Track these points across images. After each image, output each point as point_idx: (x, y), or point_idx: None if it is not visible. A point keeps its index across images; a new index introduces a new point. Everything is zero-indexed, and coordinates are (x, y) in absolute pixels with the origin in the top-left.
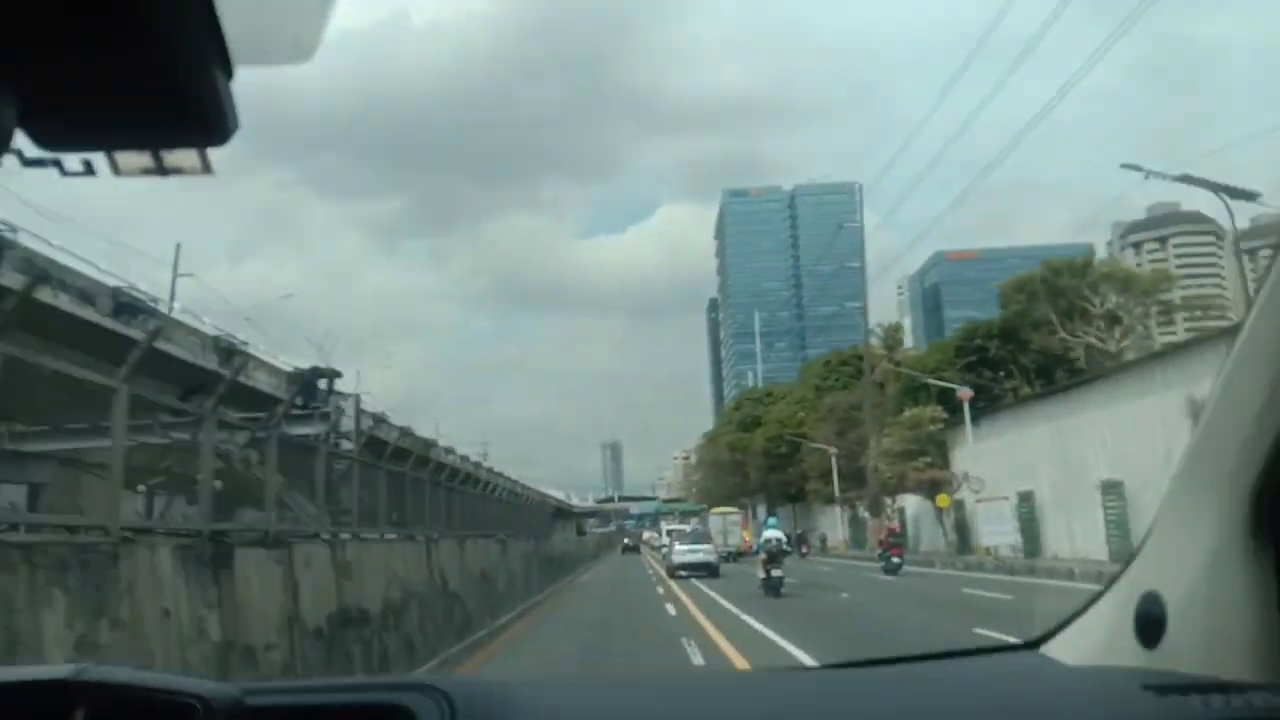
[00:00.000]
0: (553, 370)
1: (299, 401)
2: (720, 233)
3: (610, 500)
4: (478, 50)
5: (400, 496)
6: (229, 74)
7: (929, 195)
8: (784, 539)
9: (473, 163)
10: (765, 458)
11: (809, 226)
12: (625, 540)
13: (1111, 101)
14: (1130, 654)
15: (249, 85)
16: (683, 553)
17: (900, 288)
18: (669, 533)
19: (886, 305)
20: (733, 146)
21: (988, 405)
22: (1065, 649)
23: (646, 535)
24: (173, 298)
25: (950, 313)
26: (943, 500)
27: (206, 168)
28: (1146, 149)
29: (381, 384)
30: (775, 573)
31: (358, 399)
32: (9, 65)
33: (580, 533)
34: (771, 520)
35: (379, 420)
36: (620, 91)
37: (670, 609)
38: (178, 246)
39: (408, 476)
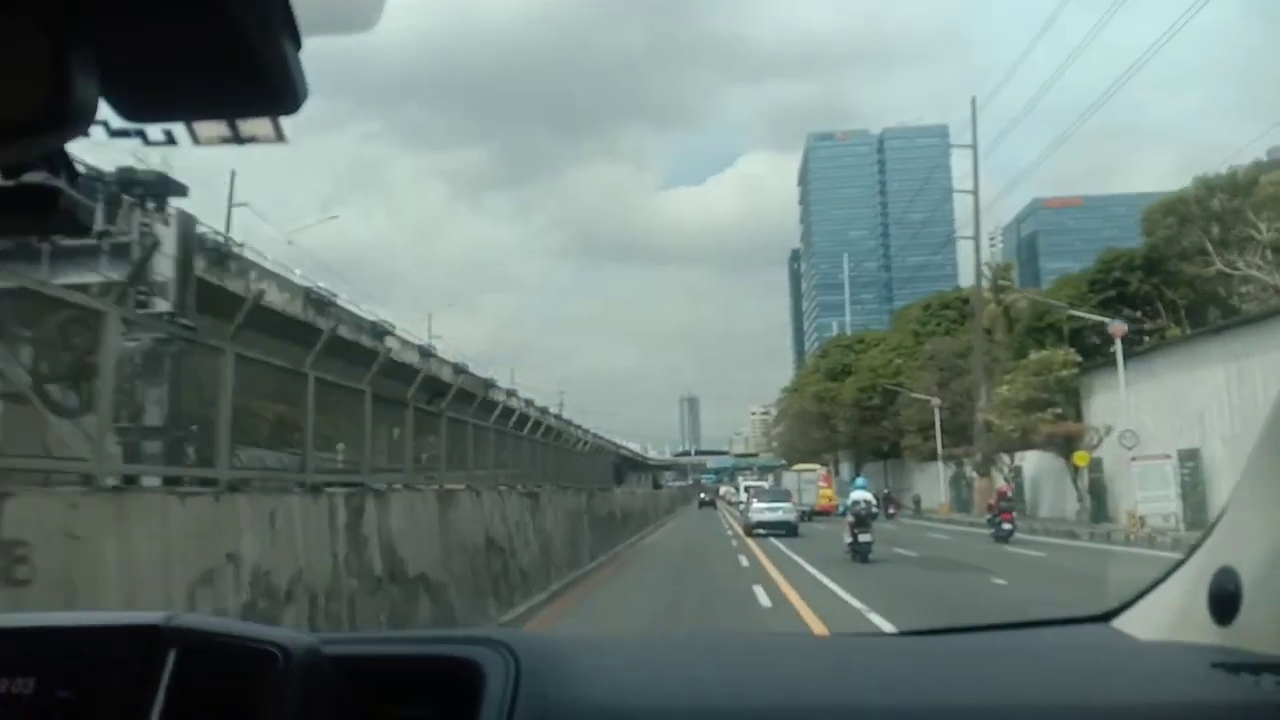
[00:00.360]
0: (632, 323)
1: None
2: (804, 179)
3: (687, 454)
4: None
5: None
6: (298, 43)
7: (1025, 140)
8: (872, 501)
9: (553, 112)
10: (855, 410)
11: (898, 172)
12: (702, 495)
13: (1225, 42)
14: (1203, 630)
15: (329, 42)
16: (761, 510)
17: (993, 238)
18: (747, 489)
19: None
20: (816, 93)
21: (1132, 347)
22: (1137, 623)
23: (724, 490)
24: (228, 228)
25: (1047, 263)
26: (1081, 458)
27: (280, 136)
28: (1264, 95)
29: (467, 336)
30: (863, 537)
31: (188, 220)
32: (94, 44)
33: (656, 485)
34: (859, 480)
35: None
36: (702, 36)
37: (762, 596)
38: (232, 174)
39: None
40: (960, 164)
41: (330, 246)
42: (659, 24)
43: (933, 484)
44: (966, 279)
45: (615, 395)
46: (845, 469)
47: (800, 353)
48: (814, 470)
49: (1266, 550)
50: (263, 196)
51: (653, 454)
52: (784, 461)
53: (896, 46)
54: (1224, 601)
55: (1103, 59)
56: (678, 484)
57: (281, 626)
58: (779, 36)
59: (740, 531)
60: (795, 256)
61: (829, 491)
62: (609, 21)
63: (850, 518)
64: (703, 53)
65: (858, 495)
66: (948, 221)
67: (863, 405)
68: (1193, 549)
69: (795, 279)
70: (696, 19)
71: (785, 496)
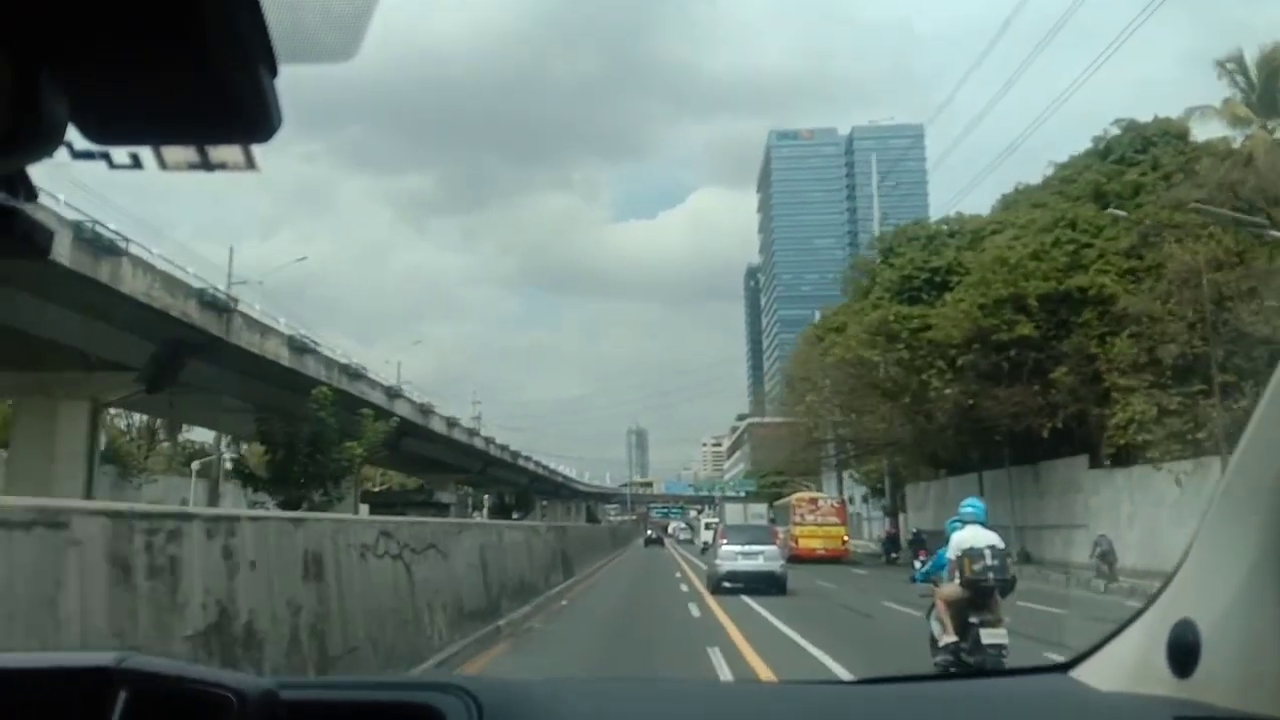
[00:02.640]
0: (581, 356)
1: None
2: (764, 182)
3: (645, 485)
4: (508, 21)
5: None
6: (273, 71)
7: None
8: (1003, 549)
9: (502, 139)
10: (967, 354)
11: (869, 175)
12: (649, 532)
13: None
14: (1162, 682)
15: (285, 72)
16: (734, 556)
17: None
18: (708, 525)
19: None
20: (767, 128)
21: None
22: (1096, 673)
23: (671, 527)
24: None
25: None
26: None
27: (251, 164)
28: None
29: (411, 364)
30: (990, 637)
31: None
32: (61, 60)
33: (592, 519)
34: (973, 504)
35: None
36: (654, 68)
37: None
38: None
39: None
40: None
41: (268, 271)
42: (611, 54)
43: (1161, 504)
44: None
45: (563, 428)
46: (921, 497)
47: (759, 374)
48: (818, 499)
49: (1226, 602)
50: (198, 216)
51: (588, 481)
52: (745, 488)
53: (846, 83)
54: (1183, 653)
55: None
56: (618, 518)
57: (236, 671)
58: (730, 71)
59: (697, 584)
60: (752, 274)
61: (842, 530)
62: (560, 50)
63: (945, 585)
64: (655, 85)
65: (973, 538)
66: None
67: (994, 340)
68: (1151, 599)
69: (753, 297)
70: (648, 51)
71: (767, 537)
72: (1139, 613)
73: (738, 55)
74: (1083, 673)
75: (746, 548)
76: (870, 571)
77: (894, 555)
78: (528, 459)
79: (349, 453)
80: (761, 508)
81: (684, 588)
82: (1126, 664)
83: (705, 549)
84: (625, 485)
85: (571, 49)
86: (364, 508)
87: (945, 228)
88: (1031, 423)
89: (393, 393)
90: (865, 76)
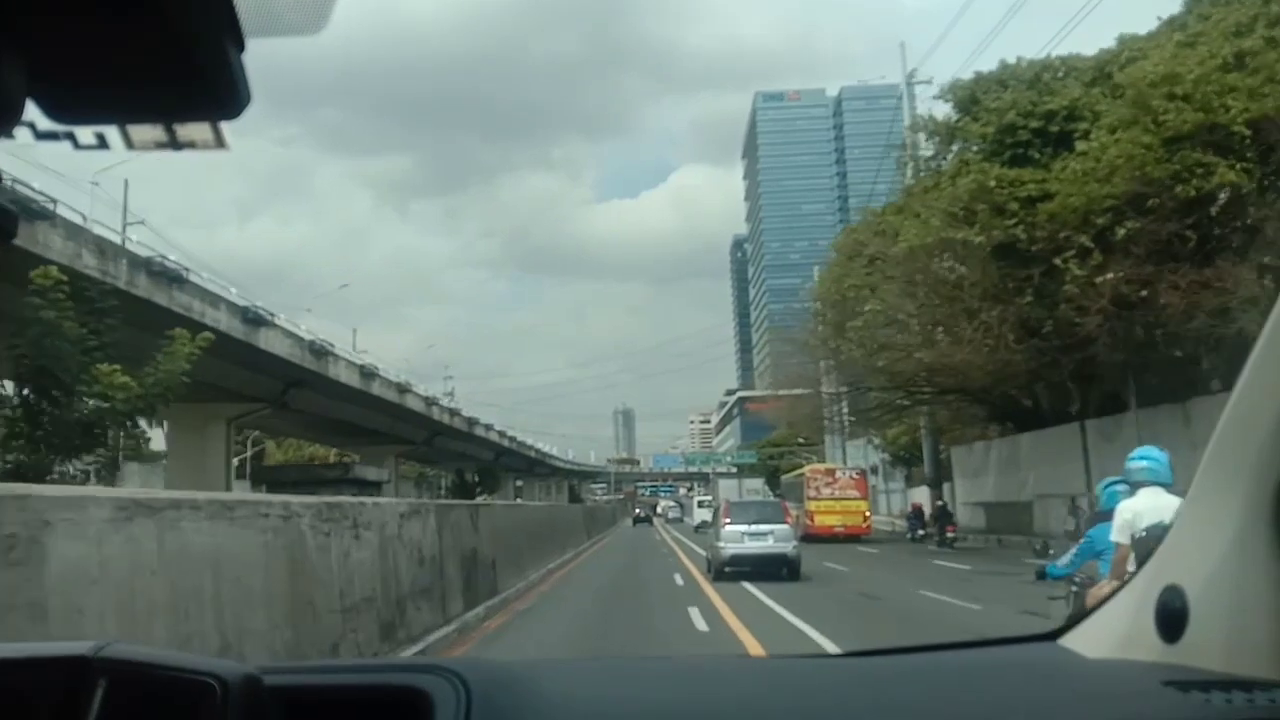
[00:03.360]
0: (566, 337)
1: None
2: (750, 147)
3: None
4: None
5: None
6: (240, 46)
7: None
8: None
9: (483, 118)
10: (1130, 219)
11: (858, 137)
12: (637, 510)
13: None
14: (1151, 648)
15: (256, 49)
16: (739, 538)
17: None
18: (701, 504)
19: None
20: (750, 105)
21: None
22: (1085, 641)
23: (661, 505)
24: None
25: None
26: None
27: (220, 142)
28: None
29: (394, 346)
30: None
31: None
32: (20, 37)
33: (575, 498)
34: (1150, 455)
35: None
36: (634, 44)
37: None
38: (125, 184)
39: None
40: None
41: (247, 256)
42: (591, 30)
43: None
44: None
45: (551, 409)
46: (977, 461)
47: (747, 351)
48: (835, 470)
49: (1212, 568)
50: (174, 201)
51: (572, 459)
52: (743, 460)
53: (829, 59)
54: (1171, 619)
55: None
56: (605, 498)
57: (219, 657)
58: (712, 47)
59: (696, 573)
60: (738, 245)
61: (863, 505)
62: (540, 26)
63: (1104, 584)
64: (636, 61)
65: (1154, 507)
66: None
67: (1171, 199)
68: (1139, 566)
69: (740, 269)
70: (629, 26)
71: (777, 514)
72: (1126, 580)
73: (719, 29)
74: (1071, 640)
75: (753, 527)
76: (893, 550)
77: (921, 532)
78: (488, 428)
79: (111, 386)
80: (758, 483)
81: (679, 580)
82: (1115, 631)
83: (700, 528)
84: (610, 461)
85: (550, 25)
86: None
87: (1048, 74)
88: (1244, 324)
89: (251, 316)
90: (849, 50)
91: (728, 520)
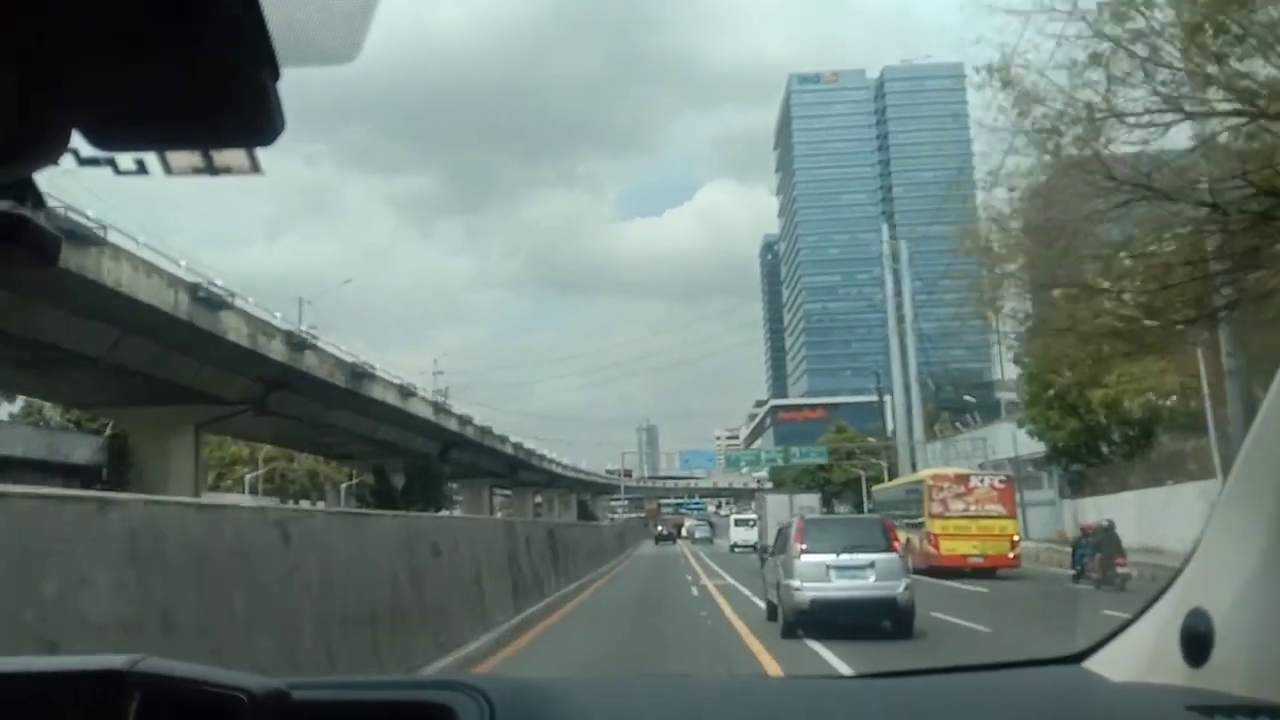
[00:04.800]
0: (588, 354)
1: None
2: (782, 135)
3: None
4: (509, 15)
5: None
6: (275, 75)
7: None
8: None
9: (504, 136)
10: None
11: (902, 122)
12: (660, 529)
13: None
14: (1175, 672)
15: (290, 76)
16: (823, 574)
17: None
18: (740, 523)
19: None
20: (772, 121)
21: None
22: (1108, 664)
23: (688, 525)
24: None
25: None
26: None
27: (255, 167)
28: None
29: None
30: None
31: None
32: (63, 66)
33: (586, 515)
34: None
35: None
36: (656, 60)
37: None
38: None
39: None
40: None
41: (274, 277)
42: (613, 47)
43: None
44: None
45: (574, 428)
46: None
47: (779, 358)
48: (969, 477)
49: (1238, 591)
50: (202, 221)
51: (584, 469)
52: (809, 457)
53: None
54: (1196, 643)
55: None
56: (625, 516)
57: (248, 672)
58: (733, 62)
59: (732, 617)
60: (769, 247)
61: (1010, 526)
62: (562, 42)
63: None
64: (658, 78)
65: None
66: (967, 184)
67: None
68: (1163, 589)
69: (772, 271)
70: (651, 43)
71: (878, 537)
72: (1150, 603)
73: (742, 46)
74: (1095, 664)
75: (845, 558)
76: (1046, 590)
77: (1084, 570)
78: (410, 392)
79: None
80: (813, 499)
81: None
82: (1139, 654)
83: (734, 548)
84: (615, 470)
85: (573, 41)
86: None
87: None
88: None
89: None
90: (873, 64)
91: (803, 547)
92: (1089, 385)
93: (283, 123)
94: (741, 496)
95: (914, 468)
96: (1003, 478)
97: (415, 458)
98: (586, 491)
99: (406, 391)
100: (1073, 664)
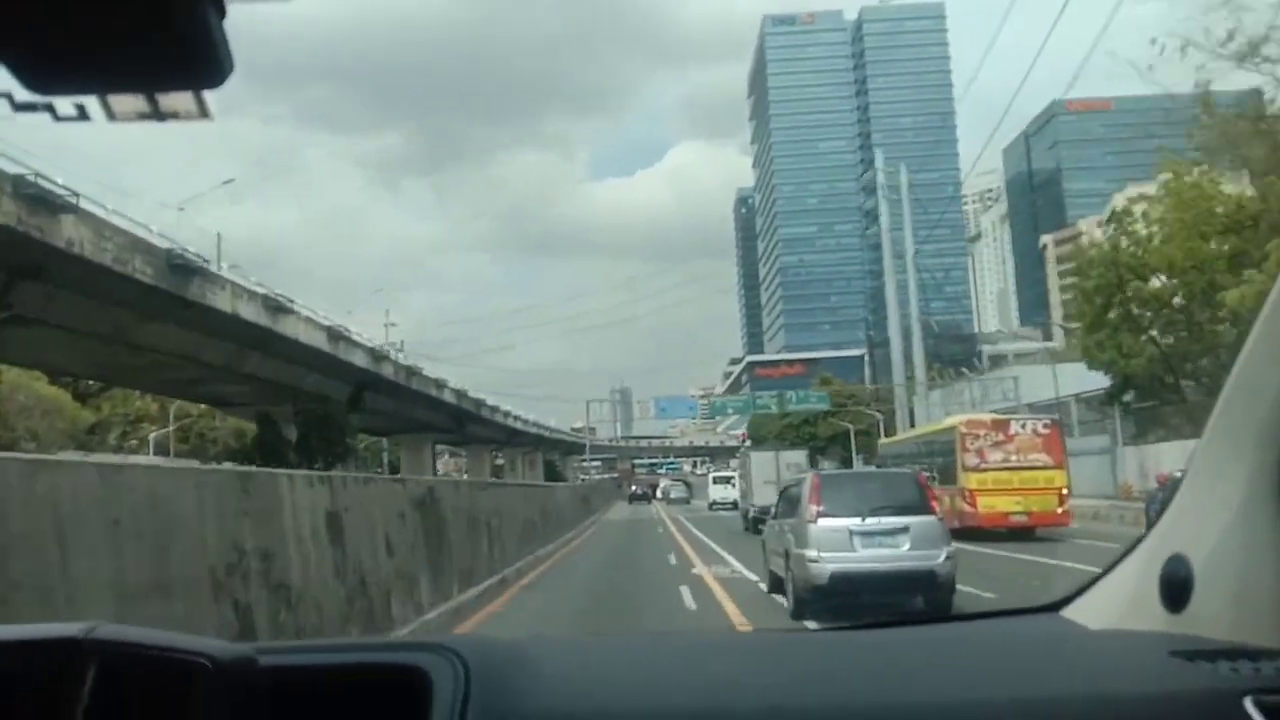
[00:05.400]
0: (562, 317)
1: None
2: (756, 81)
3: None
4: None
5: None
6: (221, 12)
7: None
8: None
9: (471, 94)
10: None
11: (881, 64)
12: (633, 488)
13: None
14: (1155, 618)
15: (236, 18)
16: (842, 541)
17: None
18: (719, 480)
19: (981, 179)
20: (743, 77)
21: None
22: (1087, 612)
23: (663, 484)
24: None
25: (1072, 184)
26: None
27: (204, 112)
28: None
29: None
30: None
31: None
32: None
33: (554, 475)
34: None
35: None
36: (623, 15)
37: None
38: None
39: None
40: (963, 53)
41: (240, 239)
42: (581, 3)
43: None
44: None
45: (549, 390)
46: None
47: (755, 313)
48: (1009, 422)
49: (1216, 537)
50: (160, 183)
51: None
52: (808, 403)
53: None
54: (1176, 588)
55: None
56: (598, 476)
57: (213, 637)
58: (703, 16)
59: (718, 594)
60: (743, 200)
61: (1058, 476)
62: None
63: None
64: (625, 33)
65: None
66: (947, 127)
67: None
68: (1142, 536)
69: (746, 225)
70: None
71: (913, 495)
72: (1129, 550)
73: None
74: (1073, 612)
75: (871, 522)
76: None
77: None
78: (288, 302)
79: None
80: (800, 455)
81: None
82: (1118, 602)
83: (714, 506)
84: (581, 428)
85: None
86: None
87: None
88: None
89: None
90: (851, 4)
91: (819, 509)
92: (1207, 289)
93: (231, 64)
94: (719, 455)
95: (912, 417)
96: (1046, 421)
97: (313, 402)
98: (555, 450)
99: (275, 305)
100: (1051, 612)
